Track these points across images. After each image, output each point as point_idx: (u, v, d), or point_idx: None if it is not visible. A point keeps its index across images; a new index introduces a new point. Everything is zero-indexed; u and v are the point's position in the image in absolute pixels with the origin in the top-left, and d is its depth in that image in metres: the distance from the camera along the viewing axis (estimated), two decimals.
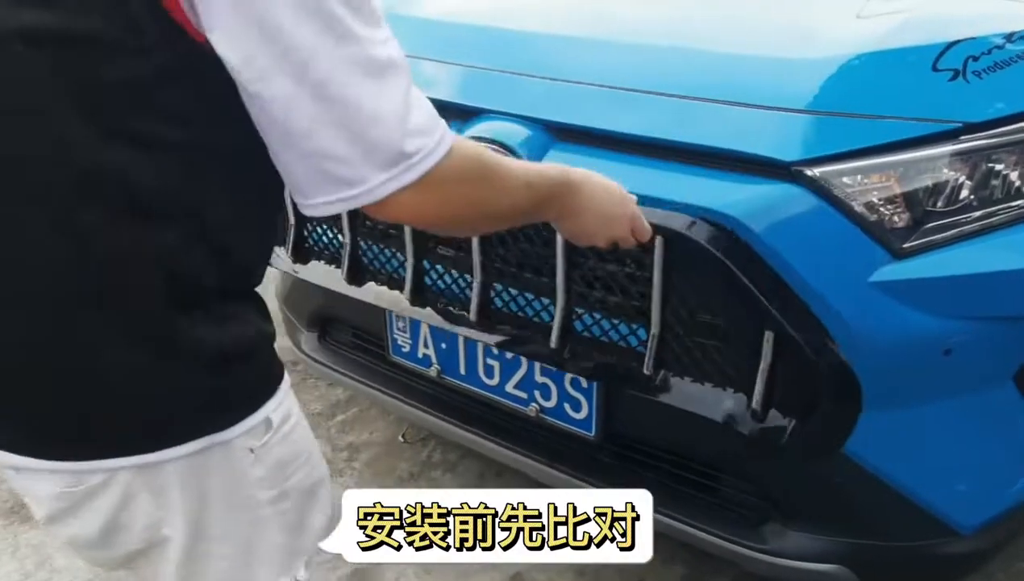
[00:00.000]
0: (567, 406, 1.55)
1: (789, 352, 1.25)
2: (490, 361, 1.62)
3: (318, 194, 0.78)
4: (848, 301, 1.25)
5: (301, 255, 1.78)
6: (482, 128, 1.47)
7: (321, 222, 1.74)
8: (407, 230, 1.55)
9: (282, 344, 2.61)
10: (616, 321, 1.40)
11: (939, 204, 1.29)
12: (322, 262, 1.77)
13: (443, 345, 1.68)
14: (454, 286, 1.57)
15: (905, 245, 1.27)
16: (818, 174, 1.25)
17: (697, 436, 1.43)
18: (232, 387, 0.86)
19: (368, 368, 1.93)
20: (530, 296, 1.48)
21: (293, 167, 0.77)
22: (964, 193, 1.28)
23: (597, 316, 1.42)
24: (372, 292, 1.67)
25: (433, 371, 1.72)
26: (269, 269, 1.02)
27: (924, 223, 1.28)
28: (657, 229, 1.23)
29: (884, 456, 1.35)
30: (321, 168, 0.76)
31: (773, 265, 1.24)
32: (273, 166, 0.79)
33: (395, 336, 1.76)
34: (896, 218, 1.28)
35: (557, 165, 1.00)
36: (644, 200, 1.16)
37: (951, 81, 1.29)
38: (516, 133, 1.44)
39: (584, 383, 1.50)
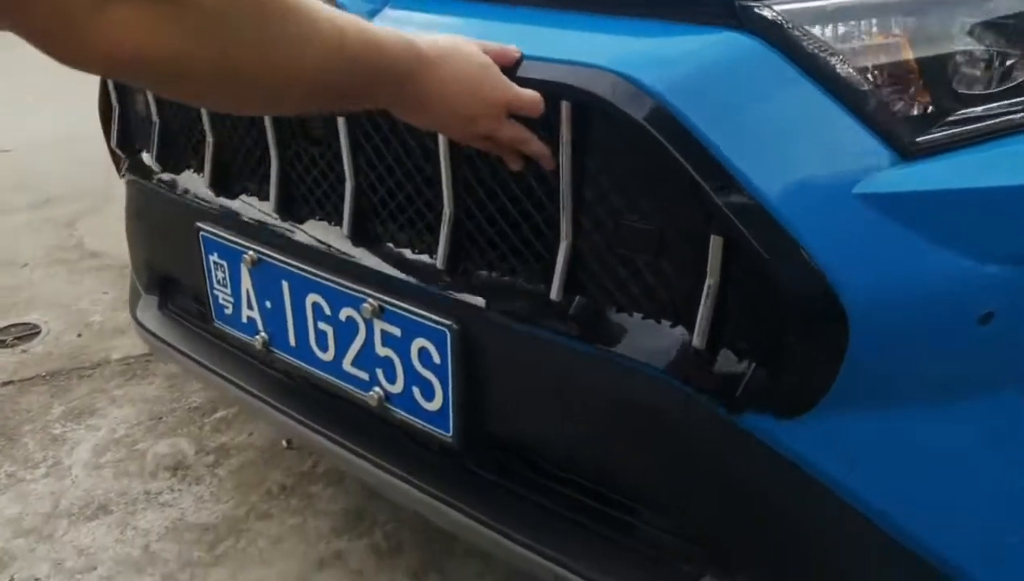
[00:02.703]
0: (416, 392, 1.06)
1: (743, 265, 0.78)
2: (322, 325, 1.14)
3: None
4: (821, 224, 0.75)
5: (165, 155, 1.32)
6: None
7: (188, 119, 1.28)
8: (268, 122, 1.10)
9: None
10: (516, 230, 0.93)
11: (974, 80, 0.79)
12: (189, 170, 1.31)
13: (268, 303, 1.20)
14: (324, 196, 1.10)
15: (921, 138, 0.77)
16: (777, 16, 0.76)
17: (605, 424, 0.93)
18: None
19: (204, 343, 1.45)
20: (411, 203, 1.02)
21: None
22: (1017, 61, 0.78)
23: (493, 227, 0.94)
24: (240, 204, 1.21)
25: (259, 341, 1.24)
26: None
27: (950, 110, 0.78)
28: (563, 91, 0.79)
29: (879, 485, 0.84)
30: None
31: (715, 154, 0.75)
32: None
33: (216, 292, 1.29)
34: (904, 97, 0.78)
35: (401, 33, 0.74)
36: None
37: None
38: None
39: (435, 355, 1.01)
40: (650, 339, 0.85)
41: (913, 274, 0.77)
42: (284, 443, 1.95)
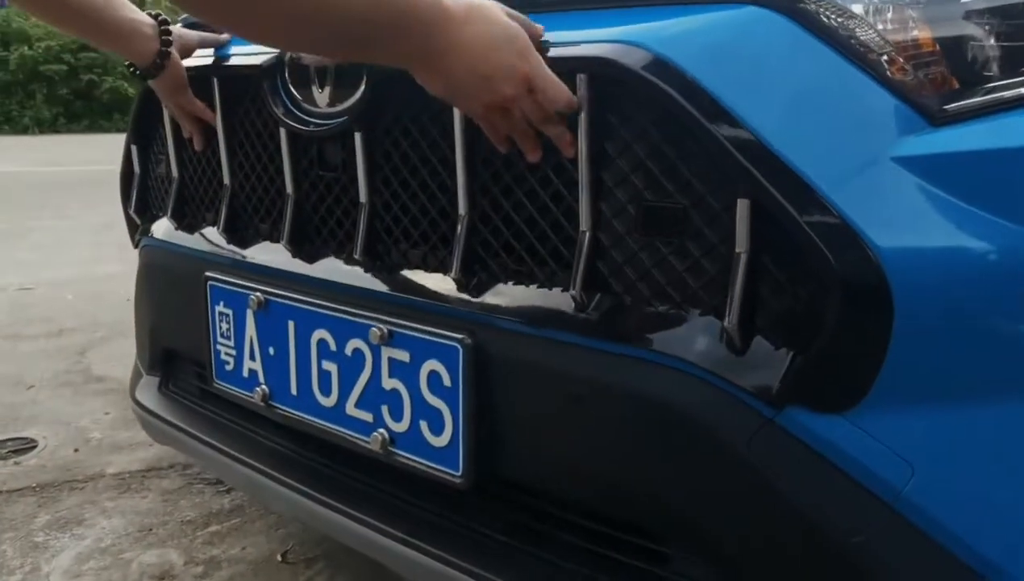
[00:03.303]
0: (423, 427, 0.98)
1: (775, 237, 0.72)
2: (326, 364, 1.07)
3: None
4: (858, 188, 0.71)
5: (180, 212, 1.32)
6: None
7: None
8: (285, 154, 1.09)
9: (164, 451, 2.12)
10: (533, 226, 0.89)
11: (996, 51, 0.77)
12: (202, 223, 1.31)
13: (271, 349, 1.15)
14: (336, 224, 1.09)
15: (950, 105, 0.75)
16: None
17: (625, 438, 0.84)
18: None
19: (202, 420, 1.38)
20: (425, 215, 0.99)
21: None
22: None
23: (510, 228, 0.91)
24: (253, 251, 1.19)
25: (259, 395, 1.17)
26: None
27: (975, 79, 0.76)
28: (584, 65, 0.79)
29: (939, 496, 0.74)
30: None
31: (740, 120, 0.73)
32: None
33: (218, 347, 1.23)
34: (930, 66, 0.76)
35: None
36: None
37: None
38: None
39: (446, 377, 0.94)
40: (681, 331, 0.79)
41: (956, 242, 0.71)
42: (279, 557, 1.81)
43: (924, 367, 0.73)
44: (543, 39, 0.81)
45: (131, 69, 1.20)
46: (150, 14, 1.17)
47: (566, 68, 0.79)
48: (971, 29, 0.79)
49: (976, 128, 0.73)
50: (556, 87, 0.78)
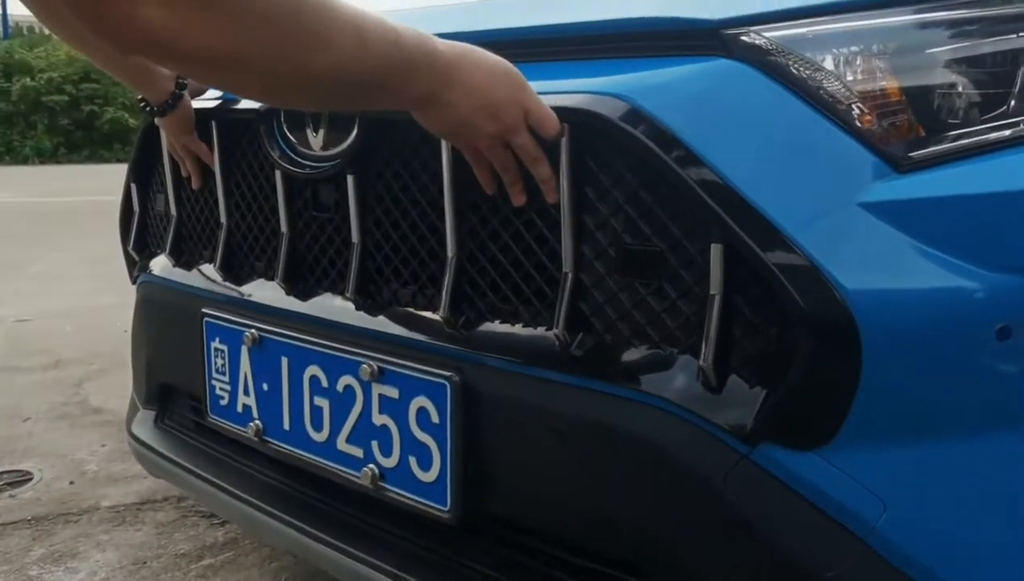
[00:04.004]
0: (412, 462, 1.00)
1: (746, 278, 0.76)
2: (318, 400, 1.10)
3: None
4: (825, 232, 0.75)
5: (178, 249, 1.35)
6: None
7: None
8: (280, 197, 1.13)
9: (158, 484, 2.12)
10: (519, 268, 0.92)
11: (959, 100, 0.81)
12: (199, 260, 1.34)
13: (264, 385, 1.17)
14: (329, 263, 1.12)
15: (914, 153, 0.78)
16: (762, 42, 0.80)
17: (607, 474, 0.86)
18: None
19: (197, 454, 1.40)
20: (415, 256, 1.03)
21: None
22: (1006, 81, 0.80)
23: (496, 269, 0.94)
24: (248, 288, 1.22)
25: (252, 430, 1.20)
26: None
27: (939, 127, 0.80)
28: (566, 116, 0.83)
29: (913, 530, 0.77)
30: None
31: (712, 168, 0.76)
32: None
33: (213, 382, 1.26)
34: (895, 115, 0.80)
35: (417, 31, 0.76)
36: None
37: None
38: None
39: (434, 414, 0.96)
40: (659, 369, 0.82)
41: (920, 284, 0.74)
42: None
43: (893, 405, 0.76)
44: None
45: (144, 106, 1.24)
46: None
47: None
48: (936, 79, 0.83)
49: (939, 174, 0.77)
50: (550, 115, 0.83)
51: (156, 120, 1.25)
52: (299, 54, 0.66)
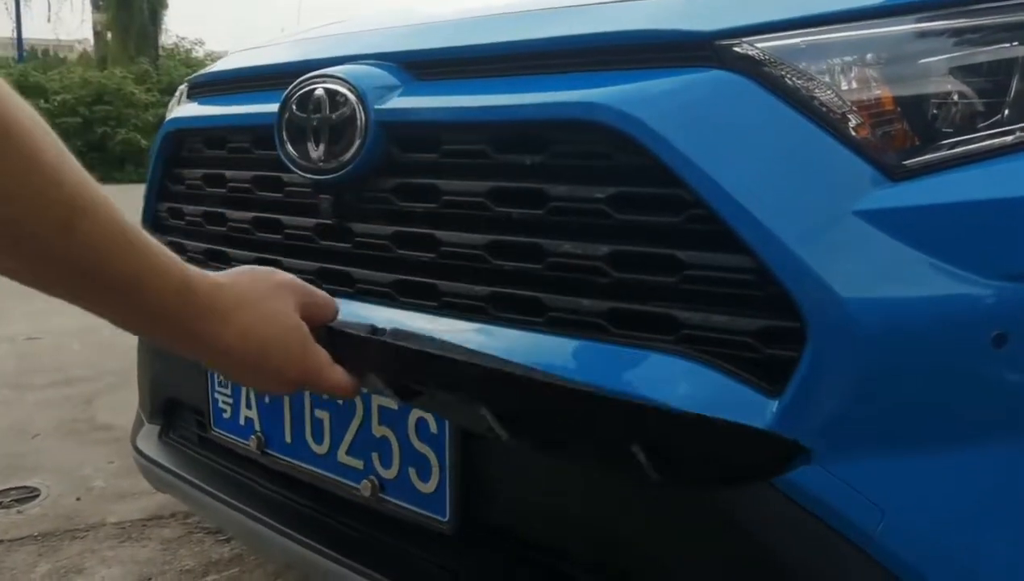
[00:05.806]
0: (411, 473, 1.00)
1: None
2: (319, 412, 1.10)
3: None
4: (820, 241, 0.75)
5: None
6: (327, 71, 1.08)
7: None
8: None
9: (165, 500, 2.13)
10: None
11: (954, 108, 0.81)
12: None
13: (266, 397, 1.18)
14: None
15: (908, 161, 0.78)
16: (756, 52, 0.81)
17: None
18: None
19: (200, 468, 1.40)
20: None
21: None
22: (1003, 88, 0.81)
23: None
24: None
25: (254, 442, 1.20)
26: None
27: (934, 136, 0.80)
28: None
29: (912, 539, 0.76)
30: None
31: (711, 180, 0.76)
32: None
33: (216, 395, 1.26)
34: (888, 123, 0.80)
35: (181, 265, 0.66)
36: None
37: None
38: (367, 74, 1.05)
39: (432, 424, 0.97)
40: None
41: (916, 292, 0.74)
42: None
43: (891, 413, 0.75)
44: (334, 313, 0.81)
45: None
46: None
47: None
48: (930, 88, 0.83)
49: (933, 182, 0.77)
50: (330, 385, 0.76)
51: None
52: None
